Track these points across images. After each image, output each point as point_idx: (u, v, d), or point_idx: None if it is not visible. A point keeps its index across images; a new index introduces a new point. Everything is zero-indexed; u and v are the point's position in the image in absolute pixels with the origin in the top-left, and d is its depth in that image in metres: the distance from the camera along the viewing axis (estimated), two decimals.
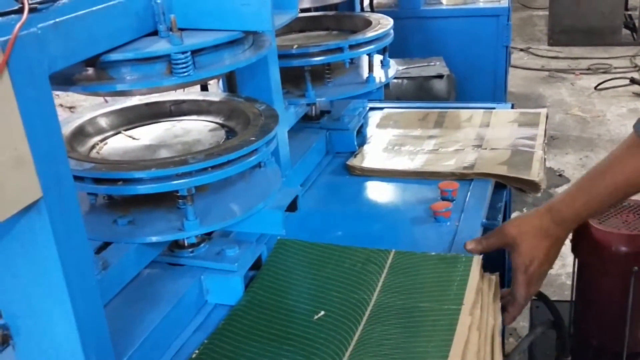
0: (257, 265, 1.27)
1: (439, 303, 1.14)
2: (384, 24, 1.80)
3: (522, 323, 2.66)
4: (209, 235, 1.30)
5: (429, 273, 1.23)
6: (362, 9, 3.02)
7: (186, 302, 1.17)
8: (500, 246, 1.29)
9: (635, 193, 1.31)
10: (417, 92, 2.97)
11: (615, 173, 1.23)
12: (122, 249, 1.14)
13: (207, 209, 1.17)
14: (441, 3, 3.61)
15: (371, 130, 1.97)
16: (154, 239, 1.13)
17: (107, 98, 1.44)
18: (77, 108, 4.82)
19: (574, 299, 1.95)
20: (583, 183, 1.27)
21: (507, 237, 1.27)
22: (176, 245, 1.25)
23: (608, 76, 5.53)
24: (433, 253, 1.29)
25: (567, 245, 3.46)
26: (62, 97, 5.10)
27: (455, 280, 1.19)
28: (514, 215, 3.51)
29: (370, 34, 1.73)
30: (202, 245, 1.25)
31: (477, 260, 1.24)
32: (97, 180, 1.08)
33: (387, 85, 1.85)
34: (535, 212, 1.30)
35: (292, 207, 1.31)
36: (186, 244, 1.24)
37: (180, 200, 1.12)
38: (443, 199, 1.53)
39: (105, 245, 1.16)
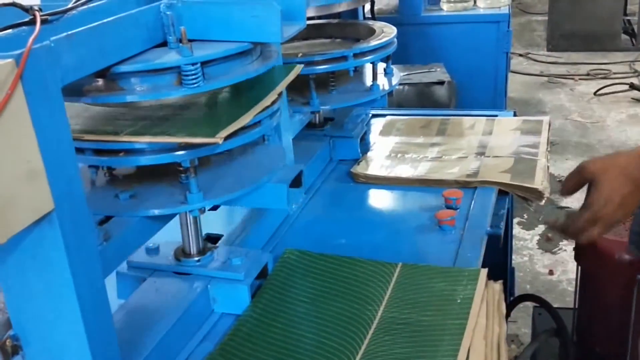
0: (263, 274, 1.27)
1: (443, 318, 1.15)
2: (387, 33, 1.81)
3: (524, 330, 2.67)
4: (214, 244, 1.31)
5: (435, 287, 1.23)
6: (364, 16, 3.03)
7: (193, 312, 1.17)
8: (580, 183, 1.22)
9: None
10: (418, 98, 2.98)
11: None
12: (124, 222, 1.12)
13: (211, 184, 1.15)
14: (442, 9, 3.62)
15: (374, 138, 1.98)
16: (157, 212, 1.10)
17: None
18: None
19: (577, 306, 1.96)
20: None
21: (587, 174, 1.20)
22: (183, 254, 1.25)
23: (607, 82, 5.55)
24: (438, 266, 1.30)
25: (569, 251, 3.47)
26: None
27: (460, 295, 1.20)
28: (515, 221, 3.53)
29: (374, 42, 1.73)
30: (209, 254, 1.25)
31: (482, 274, 1.25)
32: (98, 152, 1.05)
33: (389, 93, 1.85)
34: (623, 154, 1.21)
35: (297, 182, 1.29)
36: (193, 253, 1.25)
37: (182, 175, 1.10)
38: (447, 207, 1.53)
39: (107, 219, 1.14)
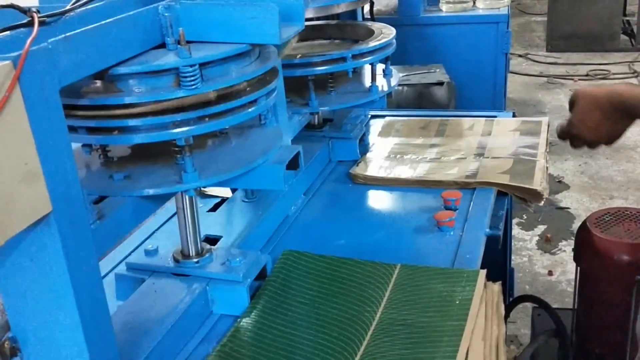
0: (262, 275, 1.27)
1: (442, 319, 1.15)
2: (386, 34, 1.81)
3: (523, 330, 2.67)
4: (213, 245, 1.31)
5: (434, 288, 1.23)
6: (363, 16, 3.03)
7: (192, 313, 1.17)
8: (571, 104, 1.44)
9: None
10: (418, 99, 2.98)
11: None
12: (118, 202, 1.11)
13: (207, 164, 1.14)
14: (441, 10, 3.62)
15: (373, 139, 1.98)
16: (151, 191, 1.08)
17: None
18: None
19: (576, 307, 1.96)
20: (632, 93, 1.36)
21: (573, 96, 1.43)
22: (181, 256, 1.25)
23: (606, 82, 5.55)
24: (438, 267, 1.30)
25: (568, 252, 3.47)
26: None
27: (459, 296, 1.20)
28: (514, 221, 3.53)
29: (372, 43, 1.73)
30: (207, 255, 1.25)
31: (481, 275, 1.25)
32: (92, 130, 1.03)
33: (388, 94, 1.85)
34: (604, 87, 1.41)
35: (294, 164, 1.28)
36: (191, 254, 1.25)
37: (178, 156, 1.09)
38: (446, 208, 1.53)
39: (101, 200, 1.13)
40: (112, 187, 1.10)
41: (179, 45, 1.02)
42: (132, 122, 1.01)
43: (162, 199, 1.19)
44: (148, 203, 1.17)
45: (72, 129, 1.00)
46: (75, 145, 1.09)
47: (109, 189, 1.10)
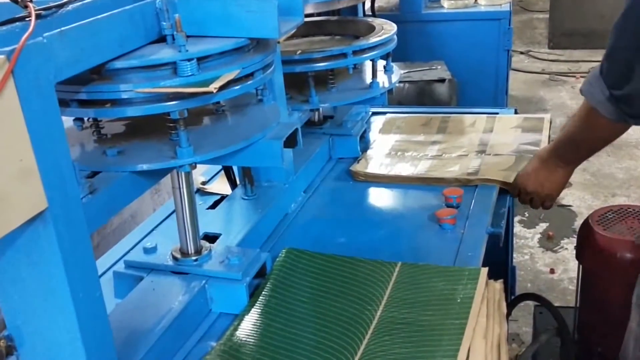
0: (261, 273, 1.26)
1: (443, 317, 1.14)
2: (387, 30, 1.79)
3: (525, 329, 2.65)
4: (212, 243, 1.30)
5: (435, 286, 1.22)
6: (364, 13, 3.02)
7: (191, 311, 1.16)
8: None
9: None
10: (419, 96, 2.96)
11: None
12: (111, 177, 1.08)
13: (203, 141, 1.13)
14: (442, 7, 3.60)
15: (374, 136, 1.97)
16: (145, 167, 1.07)
17: None
18: None
19: (578, 305, 1.95)
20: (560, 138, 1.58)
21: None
22: (181, 254, 1.24)
23: None
24: (439, 265, 1.28)
25: (570, 250, 3.45)
26: None
27: (460, 294, 1.18)
28: (516, 219, 3.51)
29: (373, 39, 1.72)
30: (206, 253, 1.24)
31: (483, 273, 1.23)
32: (83, 103, 1.01)
33: (389, 90, 1.84)
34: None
35: (291, 142, 1.25)
36: (190, 252, 1.24)
37: (172, 131, 1.07)
38: (448, 205, 1.52)
39: (95, 174, 1.10)
40: (106, 162, 1.08)
41: (176, 32, 1.00)
42: (125, 95, 0.99)
43: (156, 175, 1.16)
44: (142, 179, 1.14)
45: (63, 102, 0.97)
46: (68, 124, 1.06)
47: (102, 164, 1.08)
